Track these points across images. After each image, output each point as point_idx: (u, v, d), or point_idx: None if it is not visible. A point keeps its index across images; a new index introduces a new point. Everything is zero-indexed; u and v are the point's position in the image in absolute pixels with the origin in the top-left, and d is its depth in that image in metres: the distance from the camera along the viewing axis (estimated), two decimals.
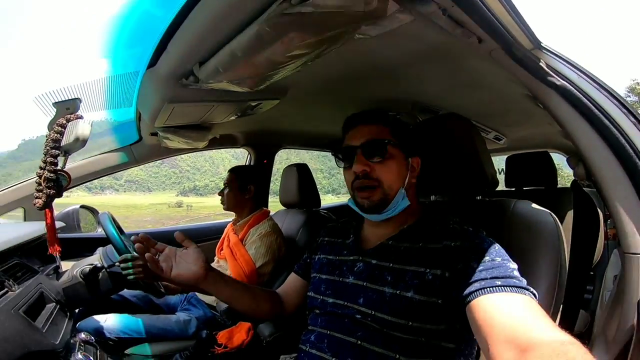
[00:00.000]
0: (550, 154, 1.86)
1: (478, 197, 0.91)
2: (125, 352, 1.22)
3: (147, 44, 0.66)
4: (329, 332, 0.71)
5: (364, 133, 0.74)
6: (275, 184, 2.19)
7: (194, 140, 1.31)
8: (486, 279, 0.56)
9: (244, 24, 0.56)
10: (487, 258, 0.60)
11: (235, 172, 1.65)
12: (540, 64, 0.67)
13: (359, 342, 0.66)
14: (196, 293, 1.54)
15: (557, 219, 0.74)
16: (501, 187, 1.35)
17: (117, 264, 1.11)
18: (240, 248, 1.46)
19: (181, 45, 0.66)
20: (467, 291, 0.57)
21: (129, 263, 1.04)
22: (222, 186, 1.65)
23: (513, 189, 1.89)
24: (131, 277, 1.07)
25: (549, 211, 0.76)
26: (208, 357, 1.23)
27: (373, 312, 0.66)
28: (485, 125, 1.74)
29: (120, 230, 1.30)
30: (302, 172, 1.71)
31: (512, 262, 0.61)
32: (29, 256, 1.19)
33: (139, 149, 1.67)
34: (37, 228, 1.18)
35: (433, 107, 1.33)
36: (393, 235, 0.73)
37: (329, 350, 0.69)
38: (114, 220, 1.30)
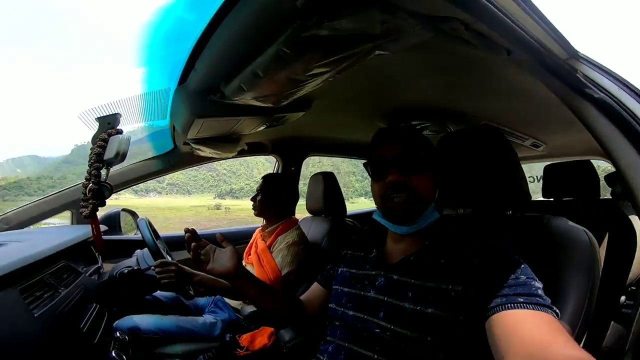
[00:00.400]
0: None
1: (508, 212, 0.87)
2: (154, 351, 1.29)
3: (177, 63, 0.70)
4: (347, 345, 0.72)
5: (397, 147, 0.74)
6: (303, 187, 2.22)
7: (223, 150, 1.36)
8: (509, 295, 0.56)
9: (264, 45, 0.57)
10: (511, 276, 0.59)
11: (268, 179, 1.66)
12: (577, 74, 0.63)
13: (376, 357, 0.66)
14: (223, 297, 1.59)
15: (592, 237, 0.70)
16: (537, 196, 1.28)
17: (152, 268, 1.18)
18: (267, 255, 1.48)
19: (207, 64, 0.69)
20: (488, 306, 0.57)
21: (163, 268, 1.12)
22: (256, 191, 1.68)
23: (551, 199, 1.77)
24: (165, 280, 1.14)
25: (584, 229, 0.73)
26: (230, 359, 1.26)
27: (392, 327, 0.66)
28: (522, 132, 1.64)
29: (156, 235, 1.38)
30: (328, 180, 1.71)
31: (537, 281, 0.59)
32: (75, 258, 1.30)
33: (174, 156, 1.77)
34: (82, 232, 1.28)
35: (466, 116, 1.29)
36: (416, 251, 0.72)
37: None
38: (150, 225, 1.39)
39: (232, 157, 1.77)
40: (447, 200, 0.81)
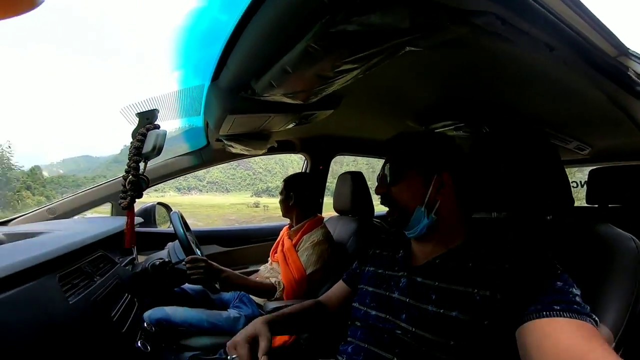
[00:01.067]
0: None
1: (548, 217, 0.82)
2: (178, 342, 1.32)
3: (210, 60, 0.71)
4: (366, 346, 0.72)
5: (387, 159, 0.78)
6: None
7: (253, 147, 1.36)
8: (544, 302, 0.54)
9: (292, 41, 0.56)
10: (547, 282, 0.57)
11: (287, 182, 1.67)
12: (628, 72, 0.58)
13: (395, 359, 0.66)
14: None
15: None
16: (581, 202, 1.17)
17: (183, 263, 1.21)
18: (292, 254, 1.48)
19: (238, 61, 0.69)
20: (521, 313, 0.55)
21: (193, 264, 1.18)
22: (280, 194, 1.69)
23: (596, 205, 1.61)
24: (194, 276, 1.17)
25: (632, 236, 0.68)
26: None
27: (414, 329, 0.65)
28: (565, 134, 1.51)
29: (187, 228, 1.42)
30: (356, 180, 1.69)
31: (575, 287, 0.57)
32: (111, 247, 1.36)
33: (207, 153, 1.81)
34: (120, 223, 1.33)
35: (503, 116, 1.21)
36: (442, 254, 0.71)
37: None
38: (182, 219, 1.43)
39: (262, 154, 1.78)
40: (481, 203, 0.77)
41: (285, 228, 1.70)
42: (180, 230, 1.29)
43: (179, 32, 0.66)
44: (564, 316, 0.51)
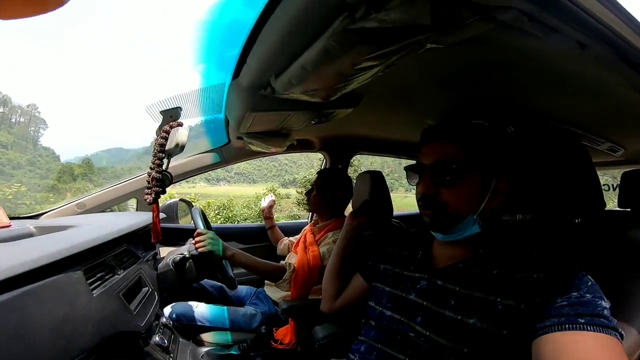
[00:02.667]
0: None
1: (577, 220, 0.77)
2: (195, 337, 1.34)
3: (231, 58, 0.71)
4: (379, 346, 0.71)
5: (436, 151, 0.70)
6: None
7: (274, 145, 1.36)
8: (568, 315, 0.51)
9: (311, 39, 0.55)
10: (574, 294, 0.54)
11: (325, 175, 1.63)
12: None
13: (407, 359, 0.65)
14: (265, 289, 1.61)
15: None
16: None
17: (192, 240, 1.23)
18: (314, 246, 1.46)
19: (258, 59, 0.69)
20: (541, 324, 0.53)
21: (200, 236, 1.21)
22: (310, 186, 1.66)
23: (628, 209, 1.51)
24: (202, 249, 1.19)
25: None
26: (264, 352, 1.26)
27: (428, 333, 0.64)
28: (596, 135, 1.43)
29: (207, 223, 1.44)
30: (375, 179, 1.65)
31: (604, 300, 0.54)
32: (135, 242, 1.40)
33: (228, 150, 1.84)
34: (144, 218, 1.36)
35: (529, 116, 1.15)
36: (466, 258, 0.69)
37: None
38: (203, 214, 1.45)
39: (282, 153, 1.77)
40: (506, 205, 0.73)
41: (309, 225, 1.68)
42: (200, 225, 1.31)
43: (200, 29, 0.66)
44: (588, 330, 0.49)
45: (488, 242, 0.69)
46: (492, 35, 0.55)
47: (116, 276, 0.94)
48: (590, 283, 0.56)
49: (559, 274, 0.58)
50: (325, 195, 1.56)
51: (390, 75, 0.70)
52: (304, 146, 1.96)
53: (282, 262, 1.43)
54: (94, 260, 0.88)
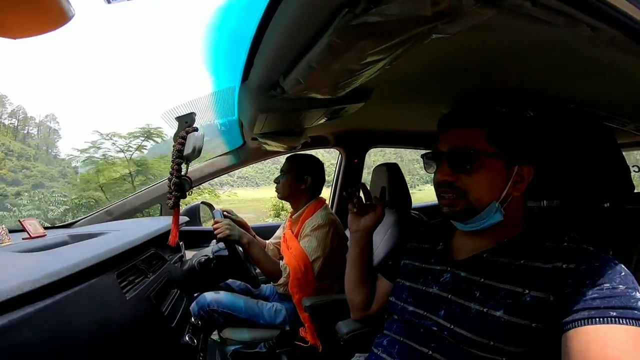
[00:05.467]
0: None
1: (606, 205, 0.75)
2: (221, 335, 1.38)
3: (238, 61, 0.72)
4: (401, 339, 0.70)
5: (454, 138, 0.67)
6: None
7: (288, 144, 1.37)
8: (599, 308, 0.49)
9: (315, 36, 0.55)
10: (606, 285, 0.52)
11: (292, 160, 1.55)
12: None
13: (431, 353, 0.64)
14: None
15: None
16: None
17: (212, 226, 1.26)
18: (294, 243, 1.41)
19: (265, 60, 0.70)
20: (570, 318, 0.51)
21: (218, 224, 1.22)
22: (280, 172, 1.59)
23: None
24: (221, 234, 1.22)
25: None
26: (289, 349, 1.28)
27: (452, 327, 0.62)
28: (621, 115, 1.35)
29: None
30: (392, 171, 1.65)
31: (639, 290, 0.51)
32: (162, 246, 1.46)
33: (244, 151, 1.88)
34: (168, 223, 1.41)
35: (547, 100, 1.10)
36: (490, 248, 0.66)
37: (399, 357, 0.68)
38: (224, 216, 1.49)
39: (297, 150, 1.79)
40: (530, 191, 0.70)
41: (287, 219, 1.63)
42: (220, 217, 1.35)
43: (206, 34, 0.67)
44: (619, 323, 0.47)
45: (513, 230, 0.67)
46: (499, 22, 0.54)
47: (146, 279, 0.98)
48: (623, 273, 0.53)
49: (590, 263, 0.55)
50: (294, 180, 1.50)
51: (399, 67, 0.69)
52: (318, 143, 1.97)
53: (281, 262, 1.38)
54: (125, 264, 0.92)
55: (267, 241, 1.73)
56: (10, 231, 1.03)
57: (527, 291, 0.57)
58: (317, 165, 1.57)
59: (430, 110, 1.39)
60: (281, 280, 1.33)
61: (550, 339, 0.53)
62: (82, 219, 1.70)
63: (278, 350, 1.23)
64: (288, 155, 1.60)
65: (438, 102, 1.21)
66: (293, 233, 1.48)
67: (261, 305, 1.45)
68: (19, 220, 1.11)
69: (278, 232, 1.74)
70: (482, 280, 0.63)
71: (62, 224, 1.67)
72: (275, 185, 1.57)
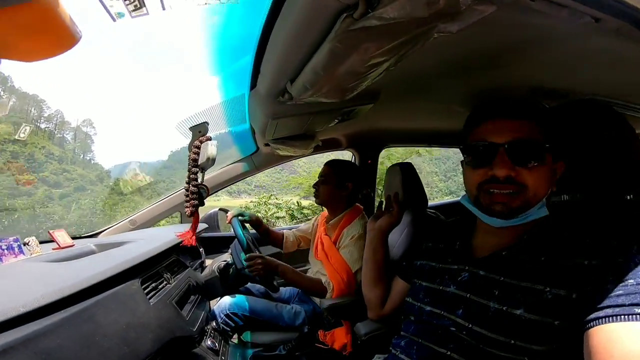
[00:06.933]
0: None
1: (628, 197, 0.72)
2: (241, 338, 1.41)
3: (246, 69, 0.73)
4: (420, 340, 0.69)
5: (510, 129, 0.62)
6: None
7: (300, 148, 1.39)
8: (624, 305, 0.47)
9: (317, 42, 0.56)
10: (631, 281, 0.49)
11: (333, 165, 1.55)
12: None
13: (450, 354, 0.62)
14: None
15: None
16: None
17: (244, 261, 1.30)
18: (334, 253, 1.43)
19: (271, 67, 0.71)
20: (594, 315, 0.49)
21: (252, 261, 1.25)
22: (318, 178, 1.59)
23: None
24: (254, 273, 1.24)
25: None
26: (309, 351, 1.29)
27: (470, 326, 0.61)
28: (636, 104, 1.29)
29: (246, 230, 1.51)
30: (406, 171, 1.62)
31: None
32: (184, 252, 1.50)
33: (258, 158, 1.91)
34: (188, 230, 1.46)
35: (561, 91, 1.08)
36: (510, 245, 0.65)
37: (417, 358, 0.67)
38: (241, 222, 1.52)
39: (310, 154, 1.80)
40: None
41: (320, 221, 1.64)
42: (240, 232, 1.38)
43: (211, 43, 0.70)
44: None
45: (535, 226, 0.65)
46: (503, 17, 0.53)
47: (168, 285, 1.01)
48: None
49: (613, 259, 0.53)
50: (335, 186, 1.49)
51: (408, 66, 0.69)
52: (330, 145, 1.98)
53: (324, 279, 1.40)
54: (149, 271, 0.96)
55: (283, 231, 1.75)
56: (41, 242, 1.08)
57: (548, 288, 0.55)
58: (358, 172, 1.58)
59: (441, 107, 1.38)
60: (327, 296, 1.36)
61: (573, 337, 0.51)
62: (107, 229, 1.78)
63: (298, 353, 1.23)
64: (327, 161, 1.60)
65: (449, 99, 1.20)
66: (331, 239, 1.48)
67: (280, 307, 1.46)
68: (48, 232, 1.17)
69: (304, 226, 1.75)
70: (502, 278, 0.61)
71: (88, 234, 1.75)
72: (314, 190, 1.57)
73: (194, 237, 1.18)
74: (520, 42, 0.71)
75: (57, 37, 0.30)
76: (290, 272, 1.36)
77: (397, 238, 1.54)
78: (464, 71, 0.92)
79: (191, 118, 1.08)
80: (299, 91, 0.71)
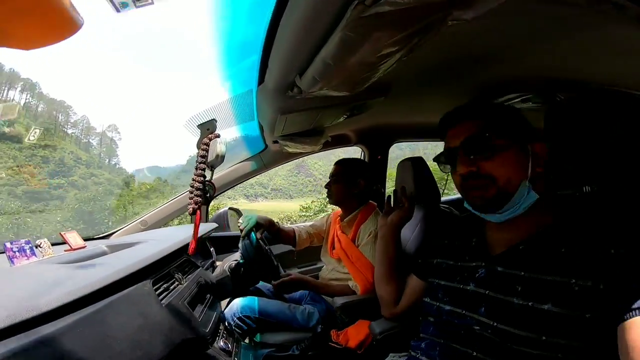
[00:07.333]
0: None
1: None
2: (254, 339, 1.39)
3: (253, 64, 0.71)
4: (442, 341, 0.68)
5: (462, 131, 0.68)
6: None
7: (309, 144, 1.37)
8: None
9: (327, 32, 0.54)
10: None
11: (343, 164, 1.55)
12: None
13: (476, 354, 0.61)
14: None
15: None
16: None
17: (272, 286, 1.35)
18: (354, 251, 1.42)
19: (279, 61, 0.69)
20: (625, 306, 0.48)
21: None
22: (329, 177, 1.59)
23: None
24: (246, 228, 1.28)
25: None
26: (322, 352, 1.27)
27: (495, 324, 0.59)
28: None
29: (265, 242, 1.50)
30: (417, 165, 1.59)
31: None
32: (195, 253, 1.49)
33: (266, 156, 1.89)
34: (201, 229, 1.45)
35: (578, 82, 1.05)
36: (526, 239, 0.64)
37: (441, 359, 0.66)
38: (254, 226, 1.50)
39: (319, 150, 1.78)
40: (565, 178, 0.69)
41: (333, 219, 1.63)
42: (265, 253, 1.37)
43: (218, 40, 0.68)
44: None
45: (546, 218, 0.64)
46: (518, 6, 0.52)
47: (180, 286, 1.00)
48: None
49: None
50: (347, 184, 1.49)
51: (416, 59, 0.68)
52: (339, 141, 1.95)
53: (351, 283, 1.41)
54: (160, 272, 0.95)
55: (293, 227, 1.74)
56: (53, 244, 1.09)
57: (574, 280, 0.54)
58: (367, 168, 1.59)
59: (455, 100, 1.34)
60: (357, 297, 1.37)
61: (607, 330, 0.50)
62: (118, 230, 1.78)
63: (311, 353, 1.22)
64: (337, 160, 1.60)
65: (463, 93, 1.18)
66: (348, 237, 1.48)
67: (293, 308, 1.44)
68: (59, 233, 1.17)
69: (318, 223, 1.74)
70: (523, 273, 0.60)
71: (100, 235, 1.76)
72: (327, 190, 1.58)
73: (194, 245, 1.16)
74: (535, 32, 0.69)
75: (56, 22, 0.28)
76: (321, 287, 1.41)
77: (409, 234, 1.51)
78: (476, 62, 0.90)
79: (200, 115, 1.06)
80: (308, 84, 0.69)
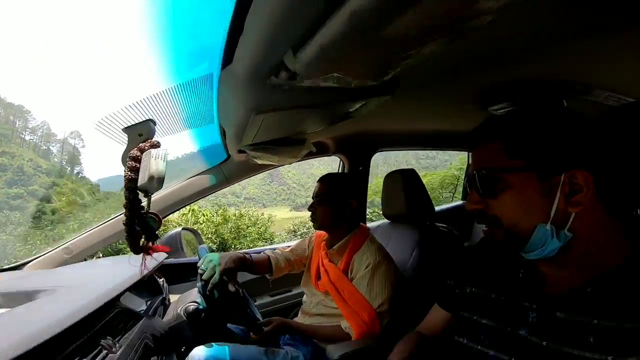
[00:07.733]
0: None
1: None
2: None
3: (215, 33, 0.42)
4: None
5: (477, 157, 0.60)
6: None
7: (286, 156, 1.09)
8: None
9: None
10: None
11: (329, 181, 1.29)
12: None
13: None
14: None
15: None
16: None
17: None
18: (347, 285, 1.19)
19: (260, 28, 0.41)
20: None
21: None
22: (313, 198, 1.32)
23: None
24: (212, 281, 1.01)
25: None
26: None
27: None
28: None
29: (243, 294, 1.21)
30: (408, 178, 1.44)
31: None
32: (137, 289, 1.16)
33: (228, 167, 1.58)
34: (149, 265, 1.12)
35: (589, 88, 1.02)
36: (593, 278, 0.52)
37: None
38: (212, 252, 1.22)
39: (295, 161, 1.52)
40: (615, 203, 0.55)
41: (316, 243, 1.38)
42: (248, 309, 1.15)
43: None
44: None
45: (614, 254, 0.52)
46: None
47: (111, 355, 0.73)
48: None
49: None
50: (335, 206, 1.25)
51: (427, 55, 0.52)
52: (317, 151, 1.70)
53: (343, 324, 1.19)
54: (76, 342, 0.68)
55: (268, 253, 1.43)
56: None
57: None
58: (357, 186, 1.41)
59: (453, 106, 1.27)
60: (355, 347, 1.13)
61: None
62: (36, 258, 1.37)
63: None
64: (321, 177, 1.33)
65: (461, 98, 1.12)
66: (338, 268, 1.24)
67: (273, 355, 1.16)
68: None
69: (297, 247, 1.46)
70: (596, 321, 0.49)
71: (9, 265, 1.33)
72: (311, 214, 1.29)
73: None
74: (561, 33, 0.67)
75: None
76: (310, 330, 1.21)
77: (407, 259, 1.34)
78: (480, 68, 0.86)
79: (125, 112, 0.71)
80: (306, 66, 0.43)
